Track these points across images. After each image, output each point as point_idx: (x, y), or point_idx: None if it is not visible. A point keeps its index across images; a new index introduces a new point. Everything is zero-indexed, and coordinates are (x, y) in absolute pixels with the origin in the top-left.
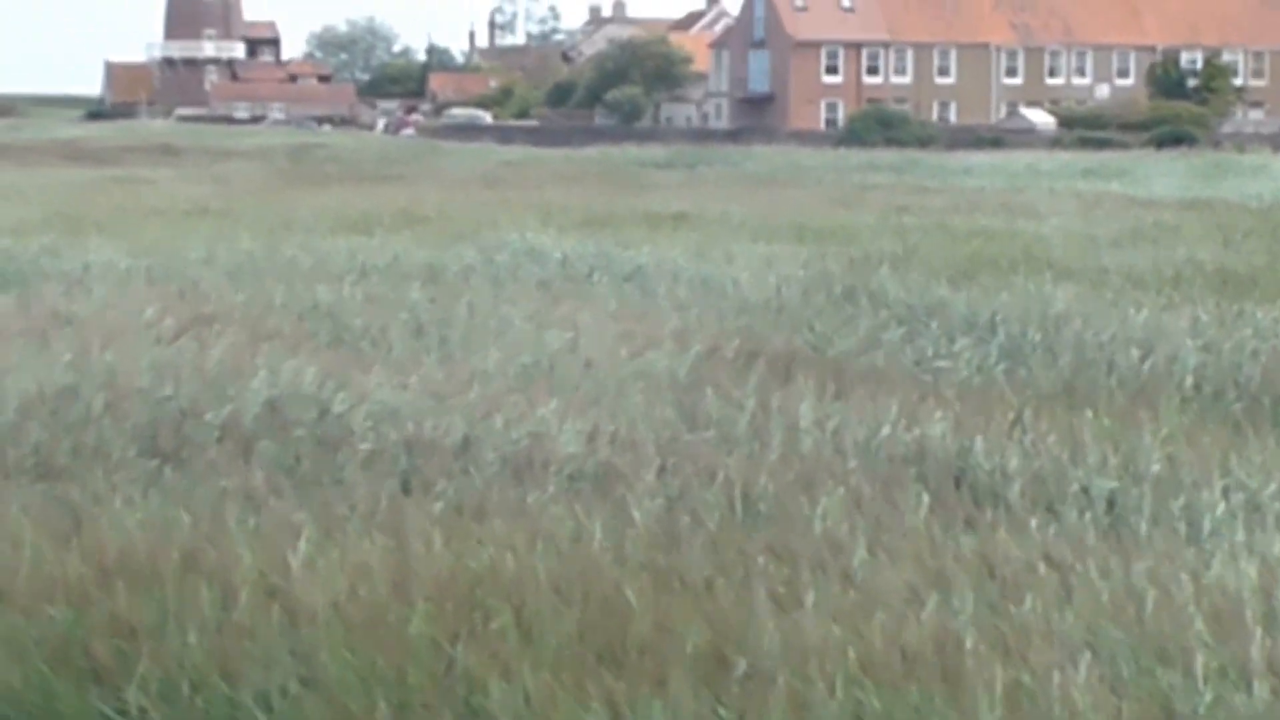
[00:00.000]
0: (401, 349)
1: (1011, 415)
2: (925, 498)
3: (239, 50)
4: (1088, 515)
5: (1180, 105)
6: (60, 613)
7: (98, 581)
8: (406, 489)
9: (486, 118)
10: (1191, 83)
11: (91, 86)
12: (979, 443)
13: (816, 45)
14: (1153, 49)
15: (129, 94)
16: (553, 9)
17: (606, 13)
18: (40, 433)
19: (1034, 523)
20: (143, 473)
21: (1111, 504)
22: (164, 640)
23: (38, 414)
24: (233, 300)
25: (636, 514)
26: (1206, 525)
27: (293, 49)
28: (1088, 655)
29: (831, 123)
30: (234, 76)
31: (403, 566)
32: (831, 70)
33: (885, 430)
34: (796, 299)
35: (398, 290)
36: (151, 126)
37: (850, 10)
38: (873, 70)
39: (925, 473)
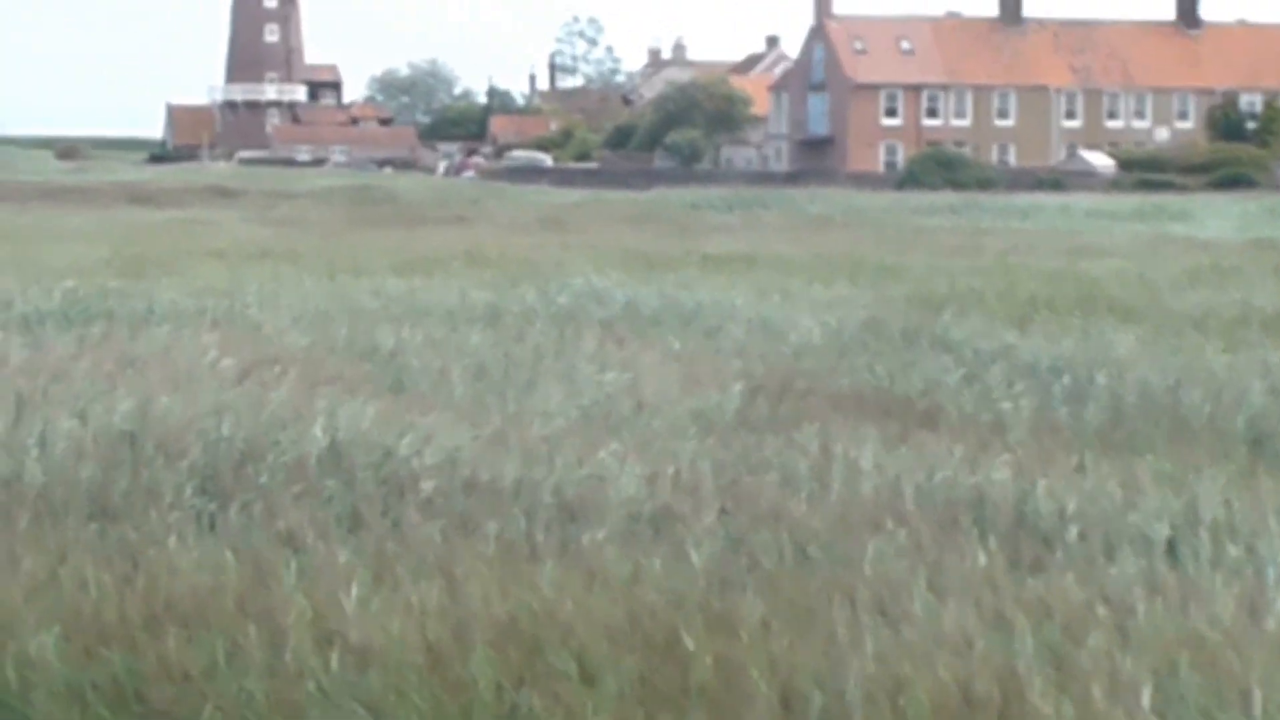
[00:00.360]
0: (463, 391)
1: (1072, 459)
2: (985, 541)
3: (301, 93)
4: (1147, 559)
5: (1240, 148)
6: (116, 656)
7: (150, 625)
8: (463, 531)
9: (547, 160)
10: (1251, 125)
11: (154, 129)
12: (1039, 486)
13: (876, 88)
14: (1212, 92)
15: (191, 137)
16: (612, 51)
17: (666, 55)
18: (98, 473)
19: (1093, 566)
20: (198, 514)
21: (1171, 548)
22: (220, 684)
23: (97, 454)
24: (295, 342)
25: (695, 556)
26: (1270, 573)
27: (354, 92)
28: (1148, 695)
29: (891, 165)
30: (296, 119)
31: (461, 609)
32: (891, 113)
33: (946, 473)
34: (857, 341)
35: (459, 332)
36: (213, 169)
37: (910, 53)
38: (932, 113)
39: (985, 516)
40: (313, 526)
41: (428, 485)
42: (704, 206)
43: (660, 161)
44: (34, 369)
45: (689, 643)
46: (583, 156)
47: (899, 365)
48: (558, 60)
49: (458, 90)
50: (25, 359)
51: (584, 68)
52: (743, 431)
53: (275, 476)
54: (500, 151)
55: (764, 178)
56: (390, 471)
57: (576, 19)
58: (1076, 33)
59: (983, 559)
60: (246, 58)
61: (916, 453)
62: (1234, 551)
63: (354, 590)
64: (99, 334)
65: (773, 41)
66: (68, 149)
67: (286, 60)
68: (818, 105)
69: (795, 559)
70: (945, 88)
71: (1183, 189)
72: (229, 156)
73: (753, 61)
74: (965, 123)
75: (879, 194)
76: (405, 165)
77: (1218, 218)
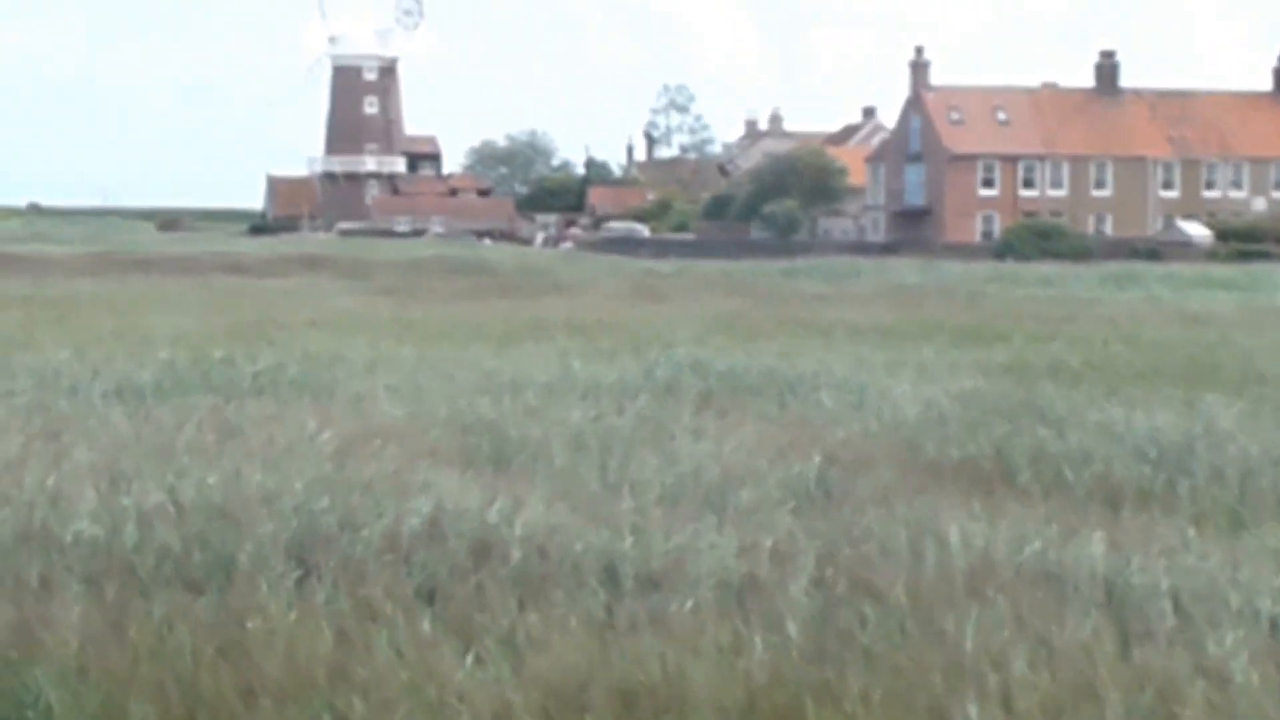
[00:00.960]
0: (561, 463)
1: (1172, 532)
2: (1082, 613)
3: (400, 165)
4: (1249, 633)
5: None
6: None
7: (246, 696)
8: (560, 601)
9: (644, 231)
10: None
11: (254, 201)
12: (1140, 559)
13: (972, 158)
14: None
15: (291, 208)
16: (701, 119)
17: (763, 126)
18: (195, 543)
19: (1192, 639)
20: (292, 585)
21: (1274, 625)
22: None
23: (194, 524)
24: (393, 413)
25: (791, 627)
26: None
27: (453, 163)
28: None
29: (988, 235)
30: (395, 190)
31: (560, 679)
32: (987, 183)
33: (1043, 544)
34: (955, 411)
35: (558, 403)
36: (313, 240)
37: (1006, 124)
38: (1028, 183)
39: (1083, 587)
40: (399, 597)
41: (517, 555)
42: (801, 275)
43: (757, 232)
44: (135, 439)
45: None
46: (680, 227)
47: (996, 436)
48: (654, 132)
49: (555, 161)
50: (127, 429)
51: (679, 138)
52: (837, 502)
53: (368, 548)
54: (598, 222)
55: (861, 248)
56: (481, 542)
57: (667, 88)
58: (1173, 103)
59: (1080, 632)
60: (346, 130)
61: (1013, 524)
62: None
63: (455, 661)
64: (199, 404)
65: (869, 112)
66: (169, 220)
67: (386, 132)
68: (914, 176)
69: (893, 630)
70: (1042, 158)
71: None
72: (329, 227)
73: (849, 132)
74: (1062, 193)
75: (975, 264)
76: (503, 236)
77: None
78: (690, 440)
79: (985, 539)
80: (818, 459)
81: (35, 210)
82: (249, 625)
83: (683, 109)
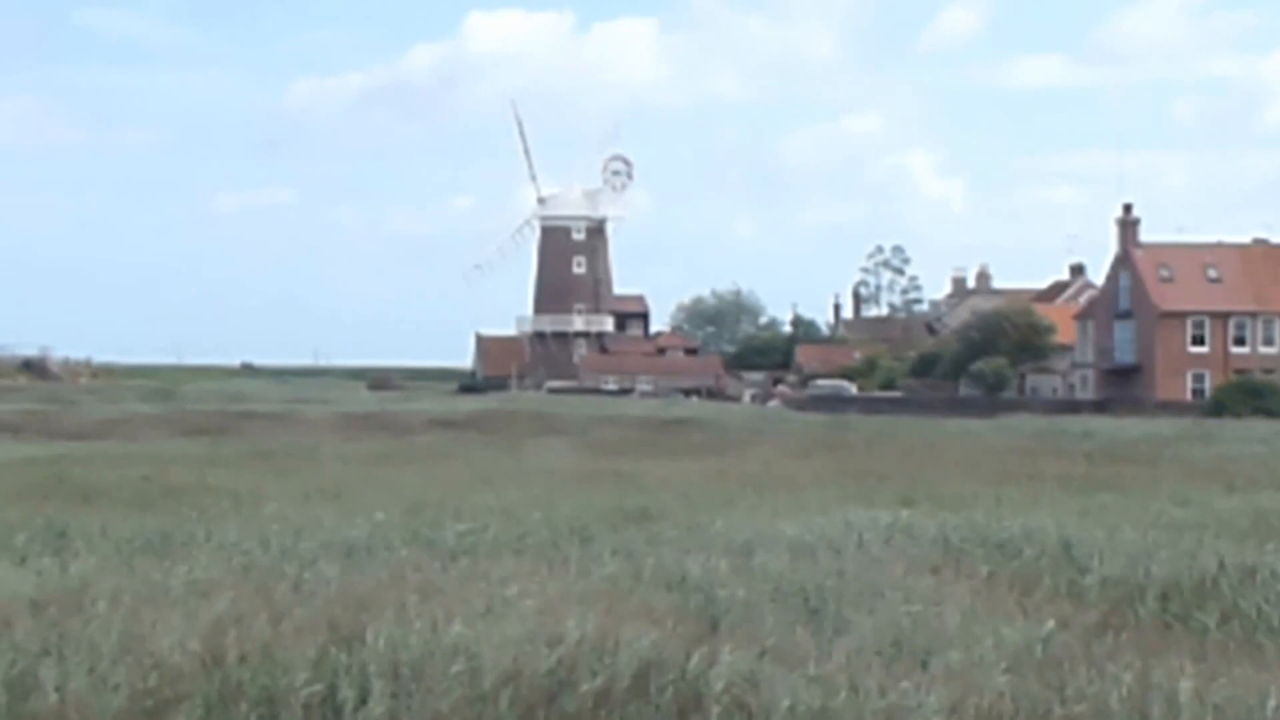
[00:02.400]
0: (769, 621)
1: None
2: None
3: (608, 324)
4: None
5: None
6: None
7: None
8: None
9: (852, 389)
10: None
11: (464, 359)
12: None
13: (1183, 315)
14: None
15: (500, 367)
16: (916, 280)
17: (971, 284)
18: (406, 698)
19: None
20: None
21: None
22: None
23: (402, 679)
24: (600, 570)
25: None
26: None
27: (660, 320)
28: None
29: (1198, 393)
30: (603, 349)
31: None
32: (1198, 340)
33: (1271, 703)
34: (1173, 567)
35: (766, 561)
36: (523, 398)
37: (1217, 280)
38: (1240, 340)
39: None
40: None
41: (718, 709)
42: (1010, 433)
43: (965, 390)
44: (344, 596)
45: None
46: (887, 385)
47: (1219, 594)
48: (862, 290)
49: (763, 319)
50: (338, 586)
51: (888, 296)
52: (1051, 661)
53: (585, 703)
54: (805, 380)
55: (1070, 406)
56: (686, 698)
57: (881, 249)
58: None
59: None
60: (555, 289)
61: (1240, 684)
62: None
63: None
64: (405, 563)
65: (1078, 269)
66: (379, 379)
67: (594, 291)
68: (1124, 333)
69: None
70: (1253, 315)
71: None
72: (538, 386)
73: (1058, 289)
74: (1274, 350)
75: (1182, 421)
76: (711, 394)
77: None
78: (901, 598)
79: (1214, 697)
80: (1039, 618)
81: (248, 369)
82: None
83: (896, 269)
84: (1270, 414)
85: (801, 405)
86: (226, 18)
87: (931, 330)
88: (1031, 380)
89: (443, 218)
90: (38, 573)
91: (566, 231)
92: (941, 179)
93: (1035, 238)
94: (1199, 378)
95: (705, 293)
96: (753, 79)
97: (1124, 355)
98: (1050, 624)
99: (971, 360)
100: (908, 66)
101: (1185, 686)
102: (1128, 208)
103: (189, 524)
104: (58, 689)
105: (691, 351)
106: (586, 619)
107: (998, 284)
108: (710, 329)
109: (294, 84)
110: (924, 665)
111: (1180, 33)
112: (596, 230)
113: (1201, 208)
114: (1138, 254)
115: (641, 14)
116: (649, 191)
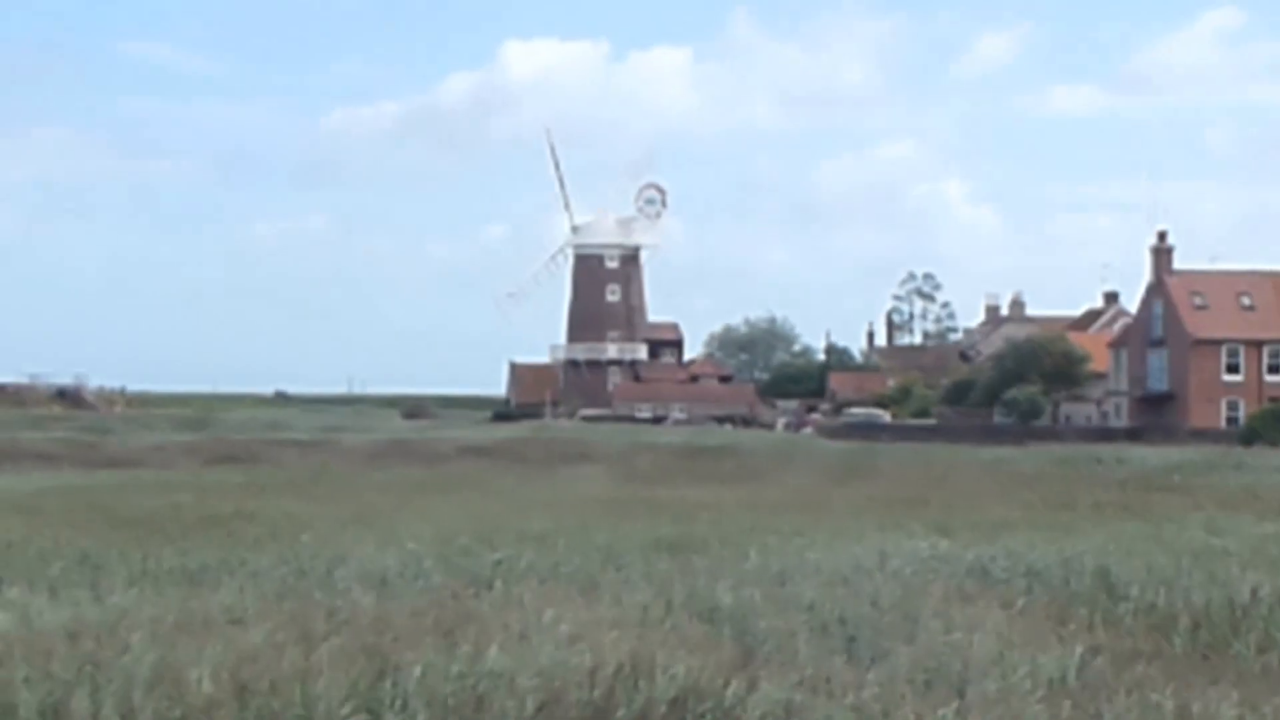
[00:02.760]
0: (806, 650)
1: None
2: None
3: (642, 351)
4: None
5: None
6: None
7: None
8: None
9: (885, 417)
10: None
11: (497, 387)
12: None
13: (1216, 343)
14: None
15: (534, 394)
16: (950, 307)
17: (1004, 311)
18: None
19: None
20: None
21: None
22: None
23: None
24: (632, 599)
25: None
26: None
27: (694, 347)
28: None
29: (1232, 421)
30: (636, 377)
31: None
32: (1232, 368)
33: None
34: (1208, 595)
35: (800, 590)
36: (556, 426)
37: (1251, 308)
38: (1274, 368)
39: None
40: None
41: None
42: (1045, 461)
43: (998, 418)
44: (380, 624)
45: None
46: (920, 413)
47: (1253, 622)
48: (895, 317)
49: (796, 347)
50: (374, 614)
51: (921, 324)
52: (1088, 689)
53: None
54: (839, 408)
55: (1104, 434)
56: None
57: (913, 275)
58: None
59: None
60: (589, 317)
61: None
62: None
63: None
64: (441, 591)
65: (1111, 297)
66: (414, 407)
67: (628, 319)
68: (1157, 361)
69: None
70: None
71: None
72: (571, 414)
73: (1091, 317)
74: None
75: (1215, 448)
76: (744, 422)
77: None
78: (938, 627)
79: None
80: (1074, 646)
81: (282, 398)
82: None
83: (929, 297)
84: None
85: (835, 433)
86: (263, 48)
87: (965, 358)
88: (1065, 408)
89: (477, 246)
90: (75, 603)
91: (600, 259)
92: (975, 206)
93: (1069, 265)
94: (1233, 406)
95: (738, 320)
96: (787, 107)
97: (1158, 383)
98: (1085, 651)
99: (1005, 388)
100: (943, 94)
101: (1227, 715)
102: (1162, 235)
103: (225, 553)
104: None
105: (725, 379)
106: (622, 646)
107: (1031, 311)
108: (744, 356)
109: (331, 113)
110: (960, 694)
111: (1215, 61)
112: (630, 258)
113: (1236, 235)
114: (1171, 282)
115: (677, 42)
116: (684, 219)
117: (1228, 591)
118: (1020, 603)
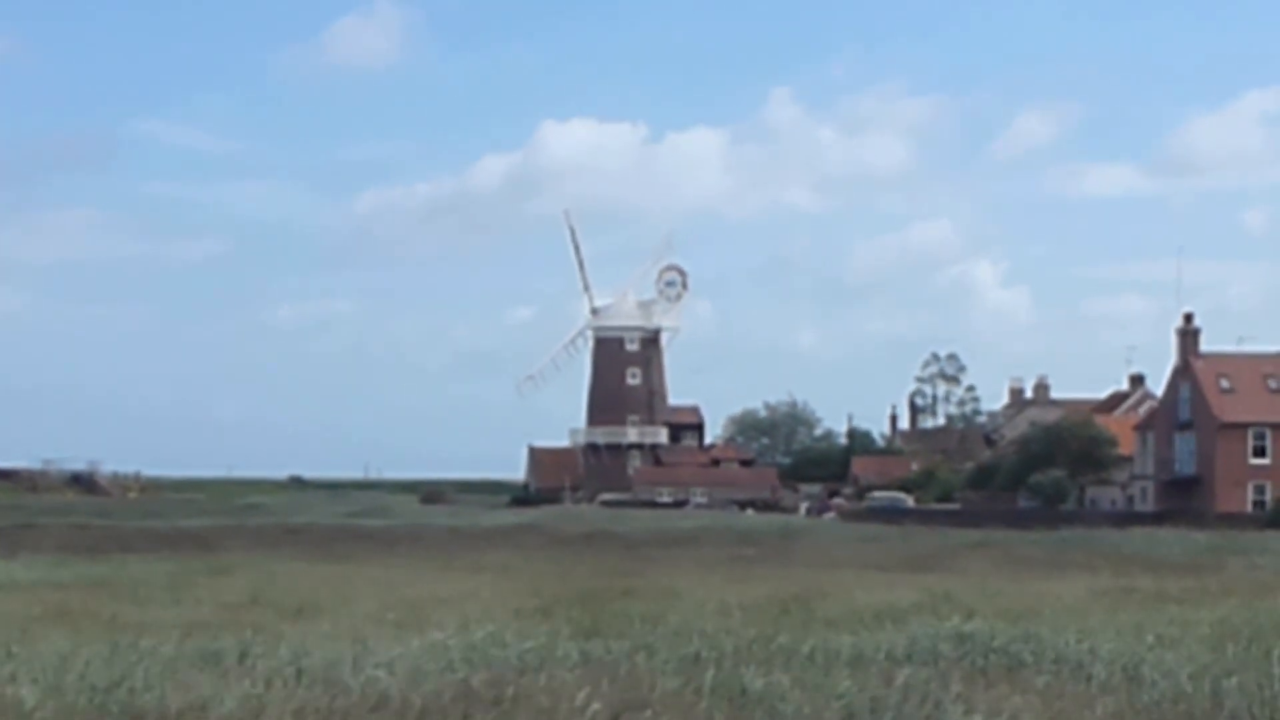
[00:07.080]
0: None
1: None
2: None
3: (662, 435)
4: None
5: None
6: None
7: None
8: None
9: (908, 501)
10: None
11: (516, 472)
12: None
13: (1243, 427)
14: None
15: (553, 479)
16: (973, 390)
17: (1029, 394)
18: None
19: None
20: None
21: None
22: None
23: None
24: (663, 685)
25: None
26: None
27: (714, 430)
28: None
29: (1259, 504)
30: (657, 461)
31: None
32: (1259, 452)
33: None
34: (1232, 686)
35: (827, 675)
36: (575, 511)
37: (1278, 391)
38: None
39: None
40: None
41: None
42: (1077, 547)
43: (1023, 502)
44: (404, 714)
45: None
46: (944, 497)
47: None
48: (918, 401)
49: (818, 431)
50: (398, 705)
51: (944, 407)
52: None
53: None
54: (862, 492)
55: (1130, 518)
56: None
57: (937, 356)
58: None
59: None
60: (609, 401)
61: None
62: None
63: None
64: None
65: (1137, 380)
66: (432, 492)
67: (648, 403)
68: (1184, 445)
69: None
70: None
71: None
72: (591, 498)
73: (1117, 400)
74: None
75: (1244, 535)
76: (766, 506)
77: None
78: (961, 711)
79: None
80: None
81: (297, 483)
82: None
83: (952, 379)
84: None
85: (858, 517)
86: (291, 128)
87: (989, 441)
88: (1091, 492)
89: (500, 329)
90: (91, 686)
91: (620, 342)
92: (1005, 288)
93: (1095, 348)
94: (1260, 489)
95: (757, 404)
96: (822, 187)
97: (1184, 467)
98: None
99: (1030, 472)
100: (977, 175)
101: None
102: (1188, 317)
103: (242, 641)
104: None
105: (746, 463)
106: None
107: (1056, 394)
108: (765, 440)
109: (360, 194)
110: None
111: (1254, 142)
112: (650, 341)
113: (1264, 314)
114: (1198, 364)
115: (715, 124)
116: (712, 301)
117: (1263, 681)
118: (1042, 685)
